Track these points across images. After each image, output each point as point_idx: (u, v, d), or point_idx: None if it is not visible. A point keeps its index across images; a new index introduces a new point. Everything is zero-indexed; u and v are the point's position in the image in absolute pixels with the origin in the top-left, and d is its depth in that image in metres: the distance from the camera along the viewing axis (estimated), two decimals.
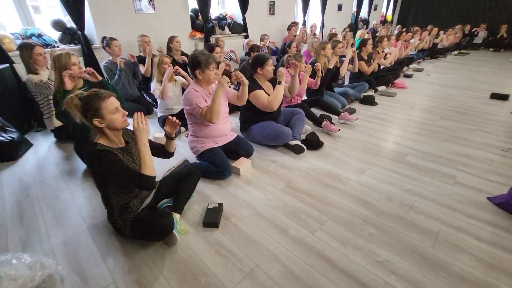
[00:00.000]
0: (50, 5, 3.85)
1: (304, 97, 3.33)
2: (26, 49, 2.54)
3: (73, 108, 1.29)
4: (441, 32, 7.51)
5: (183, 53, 4.06)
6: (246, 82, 2.09)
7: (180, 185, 1.71)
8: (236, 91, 2.26)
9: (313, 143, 2.53)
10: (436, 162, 2.33)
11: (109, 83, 2.46)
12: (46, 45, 3.42)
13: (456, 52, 8.30)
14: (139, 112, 1.34)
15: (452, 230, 1.60)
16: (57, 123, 2.71)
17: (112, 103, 1.31)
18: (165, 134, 1.66)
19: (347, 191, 1.97)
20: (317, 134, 2.65)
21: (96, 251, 1.49)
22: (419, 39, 6.36)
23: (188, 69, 2.23)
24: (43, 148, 2.70)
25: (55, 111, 2.11)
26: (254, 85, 2.38)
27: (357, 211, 1.76)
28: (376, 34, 7.08)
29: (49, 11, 3.84)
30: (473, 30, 9.15)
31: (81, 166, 2.32)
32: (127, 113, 1.39)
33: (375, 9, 9.65)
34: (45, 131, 3.04)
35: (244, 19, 5.29)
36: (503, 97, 3.99)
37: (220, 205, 1.75)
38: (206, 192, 1.97)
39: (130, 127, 1.40)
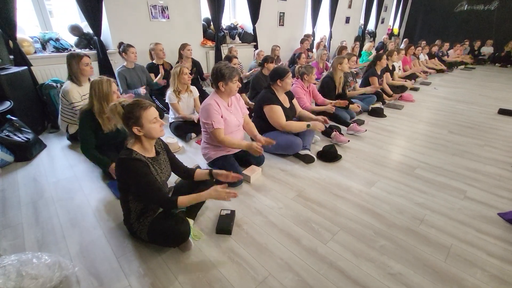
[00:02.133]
0: (63, 9, 3.94)
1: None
2: (75, 58, 2.53)
3: (116, 115, 1.36)
4: (450, 51, 7.60)
5: (194, 61, 4.14)
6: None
7: (194, 191, 1.72)
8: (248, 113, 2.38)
9: (330, 155, 2.54)
10: (445, 176, 2.34)
11: None
12: (63, 49, 3.51)
13: (462, 66, 8.35)
14: (232, 193, 1.41)
15: (464, 245, 1.61)
16: (72, 131, 2.76)
17: (152, 113, 1.37)
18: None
19: (357, 202, 1.98)
20: (335, 147, 2.65)
21: (111, 253, 1.51)
22: (428, 56, 6.44)
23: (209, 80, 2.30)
24: (57, 150, 2.75)
25: (81, 130, 2.11)
26: (272, 98, 2.43)
27: (368, 223, 1.77)
28: (386, 45, 7.16)
29: (62, 14, 3.93)
30: (477, 50, 9.25)
31: (95, 168, 2.36)
32: (164, 123, 1.46)
33: (382, 22, 9.78)
34: (58, 133, 3.10)
35: (254, 29, 5.40)
36: (511, 113, 4.00)
37: (233, 212, 1.77)
38: None
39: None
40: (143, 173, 1.34)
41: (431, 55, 7.21)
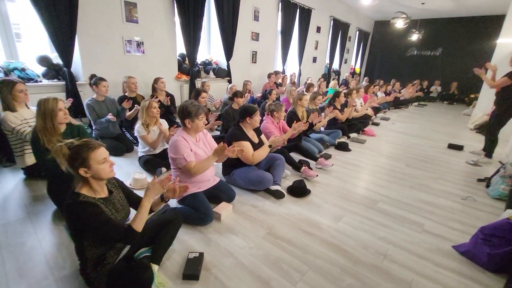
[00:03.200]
0: (33, 40, 3.84)
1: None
2: (7, 85, 2.48)
3: (60, 157, 1.29)
4: (403, 90, 8.57)
5: (167, 94, 4.19)
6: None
7: (160, 233, 1.67)
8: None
9: (300, 190, 2.61)
10: (405, 210, 2.50)
11: (86, 131, 2.47)
12: (29, 79, 3.39)
13: (416, 103, 9.31)
14: (167, 177, 1.39)
15: (423, 279, 1.69)
16: (30, 162, 2.60)
17: (101, 153, 1.32)
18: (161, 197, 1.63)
19: (325, 238, 2.03)
20: (304, 182, 2.74)
21: None
22: (385, 94, 7.13)
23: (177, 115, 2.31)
24: (10, 186, 2.53)
25: (35, 156, 2.09)
26: (240, 134, 2.52)
27: (335, 260, 1.81)
28: (349, 86, 7.84)
29: (31, 43, 3.83)
30: (426, 89, 10.50)
31: (52, 207, 2.19)
32: (114, 163, 1.41)
33: (345, 62, 10.78)
34: (14, 167, 2.87)
35: (228, 65, 5.66)
36: (459, 148, 4.47)
37: (201, 254, 1.72)
38: (185, 239, 1.93)
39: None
40: (94, 213, 1.26)
41: (386, 93, 8.01)
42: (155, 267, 1.53)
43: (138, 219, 1.34)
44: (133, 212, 1.54)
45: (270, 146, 2.58)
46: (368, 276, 1.69)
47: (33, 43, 3.84)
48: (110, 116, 3.16)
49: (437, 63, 10.78)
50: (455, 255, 1.94)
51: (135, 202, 1.59)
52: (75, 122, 2.29)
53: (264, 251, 1.85)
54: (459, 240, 2.07)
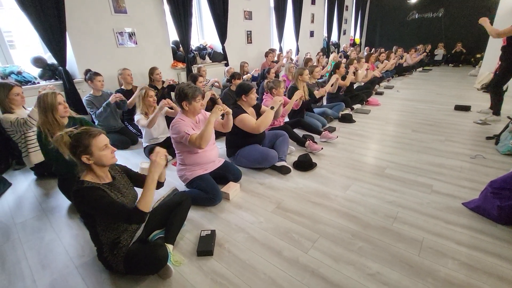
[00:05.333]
0: (25, 42, 3.83)
1: (286, 119, 3.49)
2: (3, 89, 2.51)
3: (62, 146, 1.31)
4: (405, 54, 8.25)
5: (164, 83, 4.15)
6: (230, 111, 2.19)
7: (171, 215, 1.71)
8: (221, 119, 2.34)
9: (306, 164, 2.62)
10: (413, 173, 2.48)
11: (89, 122, 2.46)
12: (26, 81, 3.39)
13: (420, 69, 9.03)
14: (162, 150, 1.38)
15: (434, 237, 1.71)
16: (36, 160, 2.65)
17: (102, 140, 1.34)
18: None
19: (334, 207, 2.05)
20: (310, 156, 2.73)
21: None
22: (388, 59, 6.90)
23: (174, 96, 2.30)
24: (23, 187, 2.60)
25: (42, 153, 2.11)
26: (239, 110, 2.49)
27: (345, 226, 1.83)
28: (347, 54, 7.62)
29: (25, 47, 3.82)
30: (430, 52, 10.11)
31: (65, 203, 2.26)
32: (116, 149, 1.43)
33: (344, 33, 10.43)
34: (25, 169, 2.94)
35: (223, 48, 5.54)
36: (466, 108, 4.36)
37: (213, 232, 1.76)
38: (197, 220, 1.97)
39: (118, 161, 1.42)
40: (99, 196, 1.29)
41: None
42: (169, 247, 1.57)
43: (143, 198, 1.32)
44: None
45: (272, 108, 2.46)
46: (379, 238, 1.71)
47: (27, 47, 3.82)
48: (112, 96, 3.11)
49: (440, 24, 10.32)
50: (465, 212, 1.94)
51: (141, 181, 1.56)
52: (77, 115, 2.30)
53: (274, 224, 1.88)
54: (469, 198, 2.06)
